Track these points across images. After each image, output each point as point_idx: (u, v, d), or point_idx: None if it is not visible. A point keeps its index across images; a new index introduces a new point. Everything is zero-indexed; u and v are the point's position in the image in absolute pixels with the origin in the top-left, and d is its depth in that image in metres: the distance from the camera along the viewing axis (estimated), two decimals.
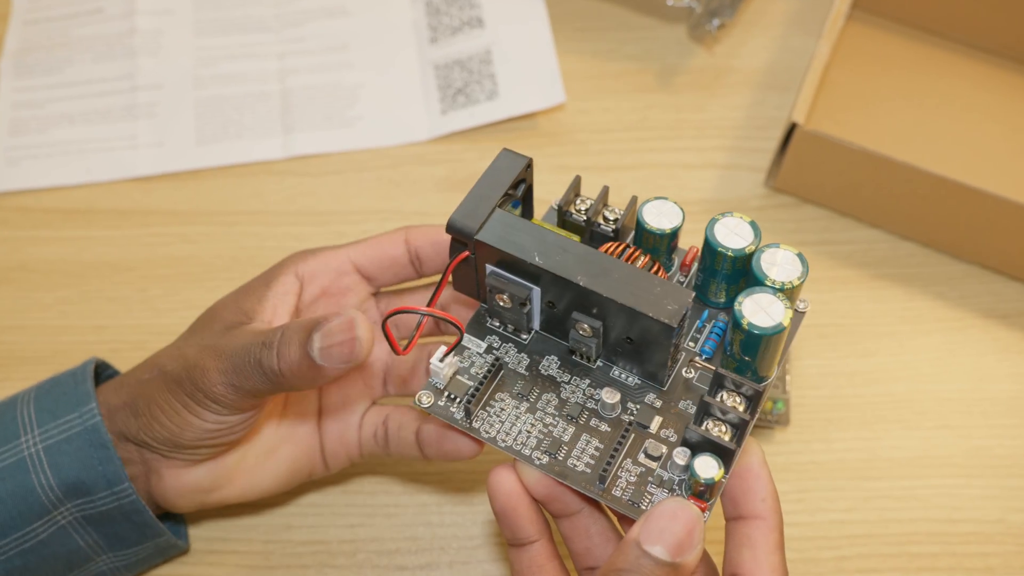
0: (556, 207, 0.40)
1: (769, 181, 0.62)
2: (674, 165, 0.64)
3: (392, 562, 0.50)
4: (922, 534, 0.51)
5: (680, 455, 0.36)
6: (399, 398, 0.50)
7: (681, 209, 0.40)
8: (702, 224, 0.61)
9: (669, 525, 0.33)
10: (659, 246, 0.40)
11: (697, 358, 0.39)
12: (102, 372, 0.47)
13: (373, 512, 0.52)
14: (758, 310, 0.35)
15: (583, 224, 0.40)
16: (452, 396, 0.38)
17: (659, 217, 0.39)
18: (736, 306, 0.35)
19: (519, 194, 0.39)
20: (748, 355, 0.36)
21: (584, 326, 0.37)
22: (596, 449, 0.37)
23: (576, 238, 0.40)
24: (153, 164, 0.63)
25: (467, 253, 0.38)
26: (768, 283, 0.36)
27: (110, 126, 0.65)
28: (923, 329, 0.58)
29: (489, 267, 0.38)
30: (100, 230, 0.62)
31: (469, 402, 0.38)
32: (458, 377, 0.39)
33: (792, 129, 0.57)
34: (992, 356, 0.57)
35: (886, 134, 0.62)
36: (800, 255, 0.37)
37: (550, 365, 0.39)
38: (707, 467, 0.35)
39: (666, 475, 0.36)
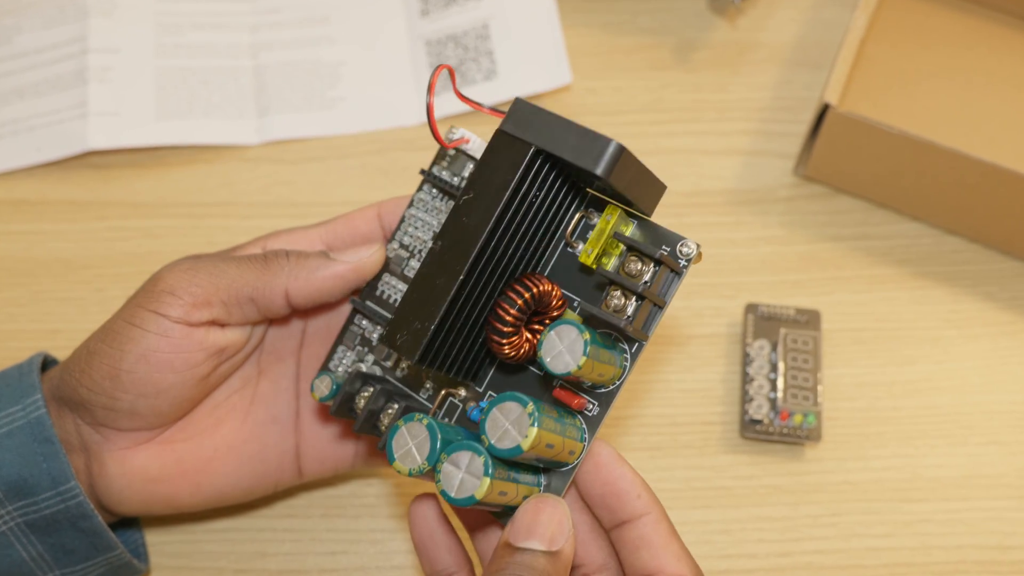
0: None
1: (799, 169, 0.62)
2: (692, 151, 0.63)
3: None
4: (969, 562, 0.51)
5: None
6: None
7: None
8: (721, 218, 0.61)
9: (536, 519, 0.37)
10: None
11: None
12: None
13: (357, 538, 0.52)
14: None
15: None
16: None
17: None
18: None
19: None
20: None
21: None
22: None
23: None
24: (107, 136, 0.63)
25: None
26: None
27: (59, 95, 0.64)
28: (970, 334, 0.57)
29: None
30: (53, 223, 0.61)
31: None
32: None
33: (824, 111, 0.57)
34: None
35: (929, 116, 0.62)
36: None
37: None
38: None
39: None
